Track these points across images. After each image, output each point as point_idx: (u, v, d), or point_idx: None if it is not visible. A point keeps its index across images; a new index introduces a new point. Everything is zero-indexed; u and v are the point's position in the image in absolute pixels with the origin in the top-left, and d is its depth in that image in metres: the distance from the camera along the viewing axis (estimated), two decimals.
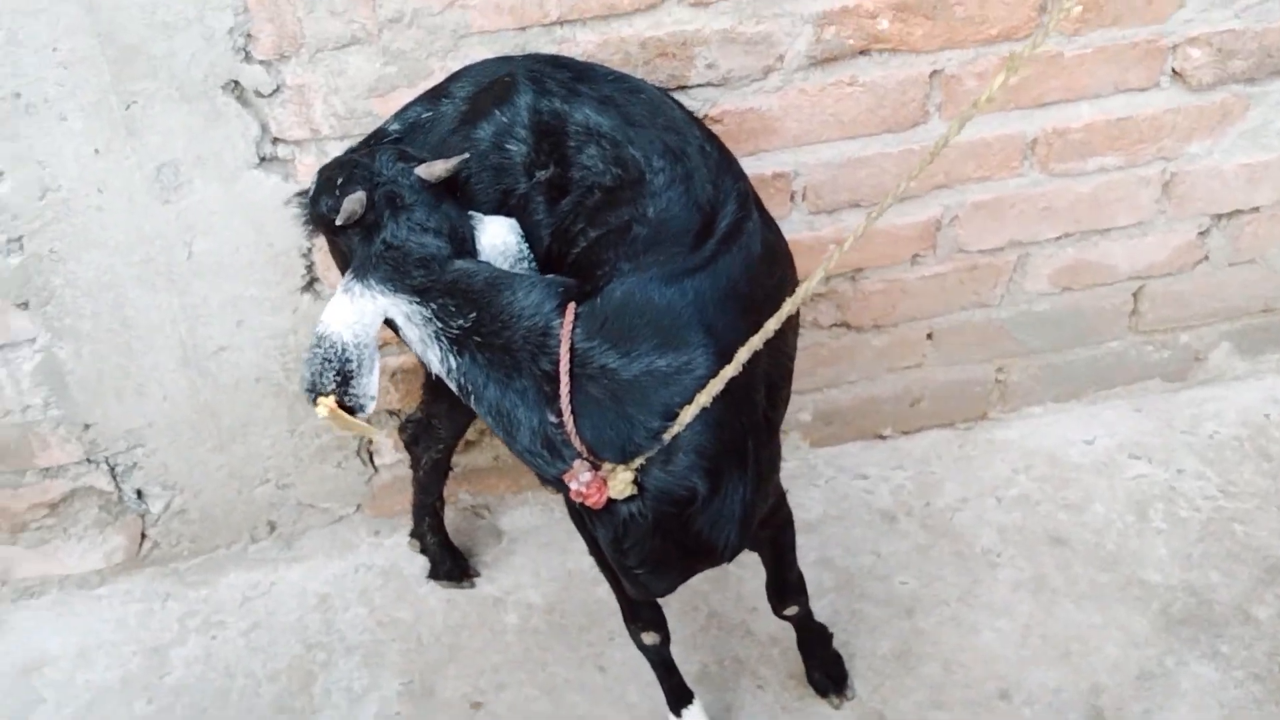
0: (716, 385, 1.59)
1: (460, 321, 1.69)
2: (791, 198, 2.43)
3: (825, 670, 2.31)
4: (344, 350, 1.69)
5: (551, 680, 2.42)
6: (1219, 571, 2.50)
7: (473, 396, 1.72)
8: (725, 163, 1.89)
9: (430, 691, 2.42)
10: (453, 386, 1.74)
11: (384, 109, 2.13)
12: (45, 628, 2.61)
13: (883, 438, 2.84)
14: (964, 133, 2.29)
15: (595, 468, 1.65)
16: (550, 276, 1.76)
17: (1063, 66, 2.36)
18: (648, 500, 1.67)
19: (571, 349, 1.65)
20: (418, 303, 1.70)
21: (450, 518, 2.64)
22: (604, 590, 2.48)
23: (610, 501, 1.67)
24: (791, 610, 2.18)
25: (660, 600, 2.08)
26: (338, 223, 1.73)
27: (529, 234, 1.88)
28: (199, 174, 2.19)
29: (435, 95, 1.98)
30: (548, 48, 2.16)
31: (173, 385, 2.43)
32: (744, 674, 2.39)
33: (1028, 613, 2.45)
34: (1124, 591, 2.47)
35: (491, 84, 1.94)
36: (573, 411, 1.64)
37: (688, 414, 1.61)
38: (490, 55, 2.11)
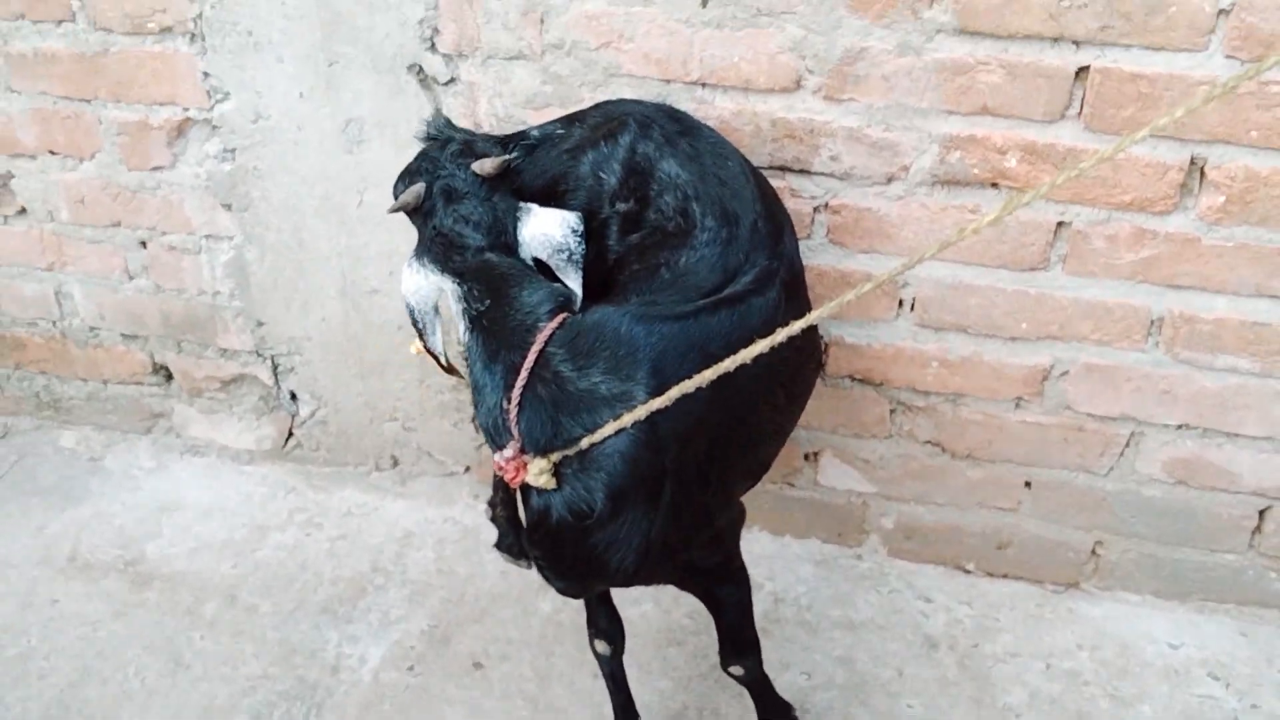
0: (640, 413, 1.73)
1: (479, 305, 1.91)
2: (900, 305, 2.50)
3: None
4: (412, 312, 1.97)
5: (549, 668, 2.59)
6: None
7: (469, 368, 1.96)
8: (771, 243, 2.00)
9: (447, 640, 2.66)
10: (463, 359, 1.98)
11: (535, 120, 2.40)
12: (191, 481, 3.08)
13: (966, 571, 2.82)
14: (1084, 291, 2.37)
15: (523, 453, 1.84)
16: (556, 285, 1.95)
17: (1198, 253, 2.30)
18: (555, 500, 1.84)
19: (540, 351, 1.85)
20: (456, 283, 1.94)
21: None
22: (640, 609, 2.66)
23: (529, 489, 1.86)
24: (736, 670, 2.25)
25: (615, 618, 2.24)
26: (390, 209, 2.02)
27: (599, 255, 2.09)
28: (378, 135, 2.54)
29: (572, 119, 2.22)
30: (687, 104, 2.35)
31: (330, 310, 2.80)
32: None
33: None
34: None
35: (610, 119, 2.17)
36: (519, 404, 1.84)
37: (606, 430, 1.76)
38: (632, 95, 2.34)
